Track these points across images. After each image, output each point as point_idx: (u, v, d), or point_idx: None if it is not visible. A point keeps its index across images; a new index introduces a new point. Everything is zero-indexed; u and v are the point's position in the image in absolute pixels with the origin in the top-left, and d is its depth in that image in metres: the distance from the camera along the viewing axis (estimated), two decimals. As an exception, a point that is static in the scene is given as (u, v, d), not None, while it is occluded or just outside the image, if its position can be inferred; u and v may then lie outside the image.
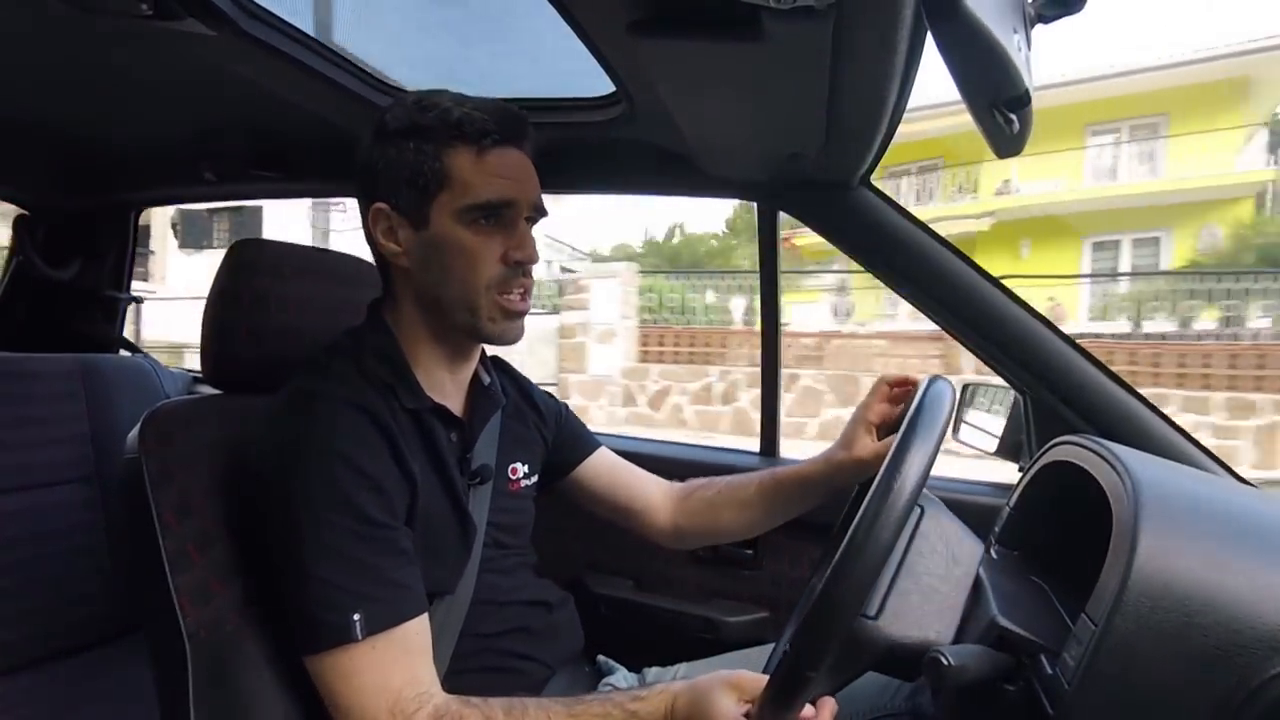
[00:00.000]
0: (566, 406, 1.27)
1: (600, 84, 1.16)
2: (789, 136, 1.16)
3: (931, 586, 0.73)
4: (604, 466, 1.26)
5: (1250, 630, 0.60)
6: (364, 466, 0.86)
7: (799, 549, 1.44)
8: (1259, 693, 0.57)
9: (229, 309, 1.02)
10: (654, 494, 1.24)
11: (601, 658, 1.21)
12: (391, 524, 0.87)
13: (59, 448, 1.61)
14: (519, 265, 0.95)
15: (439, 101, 0.93)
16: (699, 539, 1.24)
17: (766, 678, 0.78)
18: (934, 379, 0.83)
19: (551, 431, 1.21)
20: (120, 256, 2.08)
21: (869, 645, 0.72)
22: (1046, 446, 0.92)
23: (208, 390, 1.08)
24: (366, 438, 0.88)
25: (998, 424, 1.30)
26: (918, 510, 0.73)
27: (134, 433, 0.94)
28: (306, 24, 1.12)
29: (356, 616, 0.81)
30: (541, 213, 0.99)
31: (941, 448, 0.71)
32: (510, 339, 0.98)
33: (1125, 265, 13.19)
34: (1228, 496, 0.80)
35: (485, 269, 0.94)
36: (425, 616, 0.88)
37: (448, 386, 1.02)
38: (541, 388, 1.26)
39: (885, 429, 1.07)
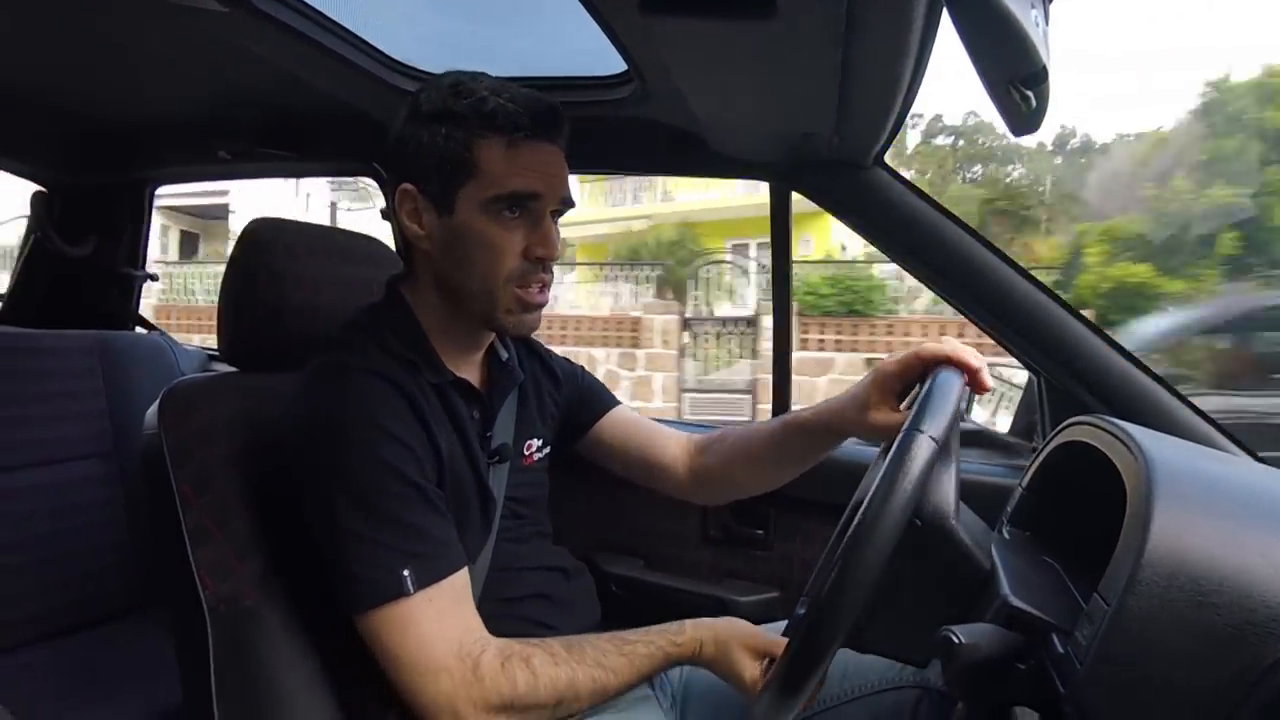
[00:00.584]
0: (582, 368, 1.28)
1: (613, 63, 1.16)
2: (802, 115, 1.15)
3: (924, 610, 0.73)
4: (621, 422, 1.25)
5: (1265, 609, 0.59)
6: (399, 433, 0.88)
7: (810, 529, 1.45)
8: (1272, 671, 0.57)
9: (245, 287, 1.03)
10: (672, 448, 1.23)
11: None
12: (427, 485, 0.89)
13: (77, 423, 1.63)
14: (540, 260, 0.95)
15: (475, 88, 0.92)
16: (718, 493, 1.23)
17: (783, 642, 0.82)
18: (940, 373, 0.81)
19: (566, 394, 1.22)
20: (136, 233, 2.09)
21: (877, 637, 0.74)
22: (1060, 427, 0.92)
23: (223, 367, 1.09)
24: (397, 407, 0.90)
25: (1012, 404, 1.30)
26: (916, 525, 0.72)
27: (153, 409, 0.95)
28: (320, 2, 1.11)
29: (406, 572, 0.83)
30: (569, 205, 0.99)
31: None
32: (525, 331, 0.99)
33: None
34: (1243, 476, 0.80)
35: (506, 262, 0.94)
36: (466, 569, 0.90)
37: (465, 361, 1.04)
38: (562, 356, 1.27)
39: (904, 398, 1.00)
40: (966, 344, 0.88)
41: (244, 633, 0.90)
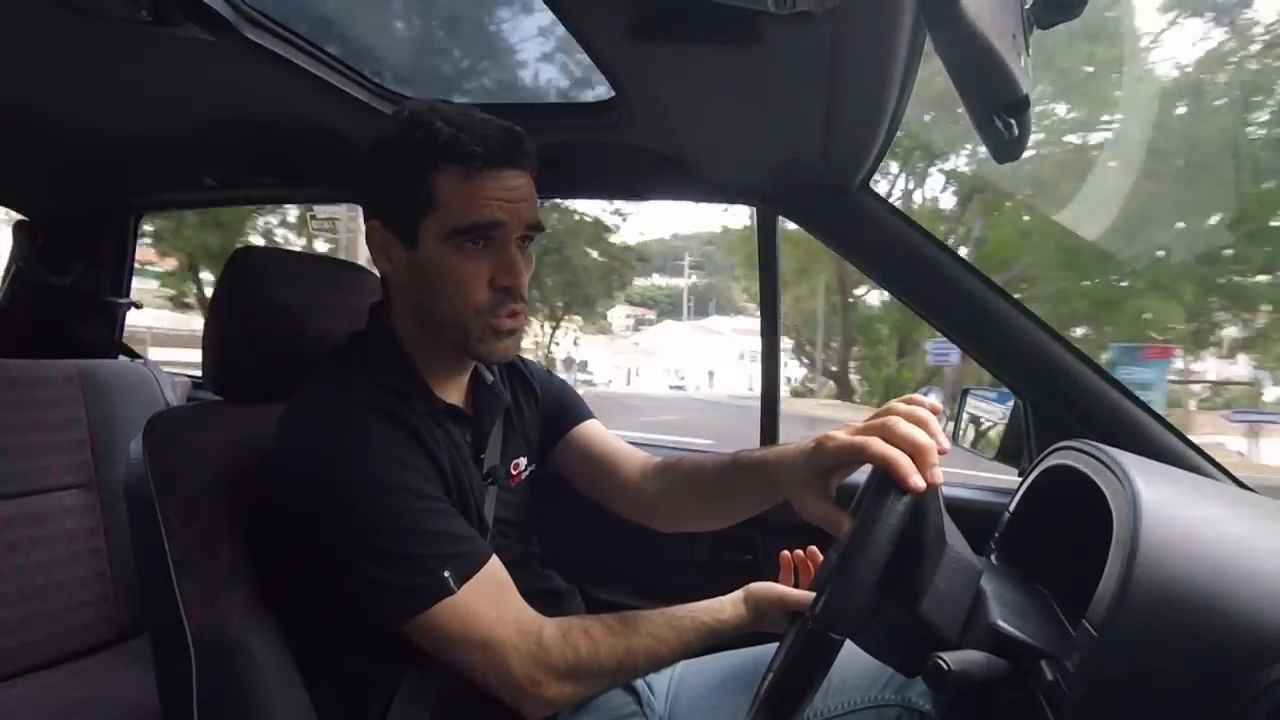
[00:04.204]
0: (563, 380, 1.27)
1: (600, 89, 1.16)
2: (788, 141, 1.16)
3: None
4: (590, 436, 1.23)
5: (1250, 637, 0.60)
6: (405, 458, 0.89)
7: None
8: (1260, 699, 0.57)
9: (230, 317, 1.02)
10: (631, 469, 1.19)
11: None
12: (441, 496, 0.91)
13: (58, 453, 1.60)
14: (507, 290, 0.94)
15: (430, 120, 0.91)
16: (667, 520, 1.17)
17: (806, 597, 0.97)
18: (879, 476, 0.70)
19: (544, 404, 1.21)
20: (120, 262, 2.08)
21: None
22: (1046, 451, 0.92)
23: (208, 396, 1.09)
24: (397, 435, 0.90)
25: (998, 429, 1.30)
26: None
27: (138, 439, 0.94)
28: (305, 29, 1.11)
29: (447, 573, 0.85)
30: (538, 229, 0.98)
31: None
32: (500, 358, 0.99)
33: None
34: (1228, 502, 0.80)
35: (474, 294, 0.93)
36: (496, 556, 0.92)
37: (451, 387, 1.04)
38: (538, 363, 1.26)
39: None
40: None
41: (229, 664, 0.88)
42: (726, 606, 1.00)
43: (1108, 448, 0.79)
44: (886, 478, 0.67)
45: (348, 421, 0.89)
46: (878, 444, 0.71)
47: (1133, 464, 0.73)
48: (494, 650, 0.86)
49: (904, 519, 0.66)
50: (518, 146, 0.94)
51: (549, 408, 1.23)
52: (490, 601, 0.88)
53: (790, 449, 0.89)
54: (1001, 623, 0.69)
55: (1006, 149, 0.67)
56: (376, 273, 1.02)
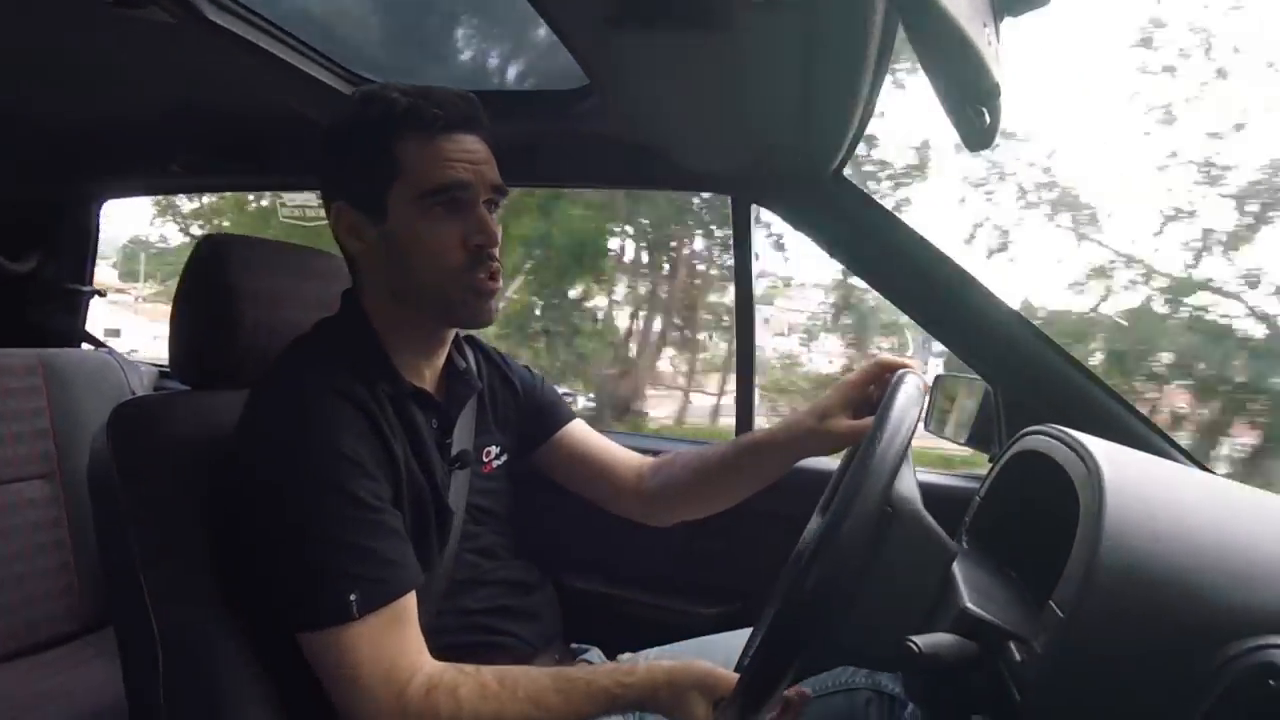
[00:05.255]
0: (543, 379, 1.27)
1: (574, 77, 1.15)
2: (762, 129, 1.16)
3: (899, 594, 0.73)
4: (577, 438, 1.25)
5: (1211, 615, 0.61)
6: (352, 452, 0.87)
7: (772, 542, 1.44)
8: (1220, 672, 0.58)
9: (197, 305, 1.00)
10: (624, 468, 1.23)
11: (576, 645, 1.21)
12: (381, 506, 0.88)
13: (19, 444, 1.57)
14: (480, 249, 0.95)
15: (384, 94, 0.94)
16: (667, 514, 1.22)
17: (738, 677, 0.79)
18: (905, 374, 0.83)
19: (525, 404, 1.21)
20: (82, 248, 2.04)
21: (836, 648, 0.74)
22: (1016, 437, 0.93)
23: (176, 386, 1.07)
24: (352, 424, 0.89)
25: (969, 415, 1.32)
26: (888, 511, 0.73)
27: (101, 429, 0.92)
28: (270, 12, 1.09)
29: (353, 596, 0.82)
30: (502, 193, 0.99)
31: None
32: (483, 320, 0.99)
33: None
34: (1190, 485, 0.81)
35: (449, 257, 0.94)
36: (413, 592, 0.89)
37: (424, 371, 1.03)
38: (520, 362, 1.26)
39: (863, 409, 1.02)
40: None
41: (196, 657, 0.87)
42: (638, 671, 0.88)
43: (1075, 432, 0.80)
44: (900, 378, 0.82)
45: (298, 405, 0.88)
46: (889, 356, 0.93)
47: (1099, 448, 0.74)
48: (354, 692, 0.83)
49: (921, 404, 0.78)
50: (473, 111, 0.97)
51: (534, 407, 1.23)
52: (377, 639, 0.84)
53: (796, 414, 1.07)
54: (971, 605, 0.70)
55: (978, 137, 0.68)
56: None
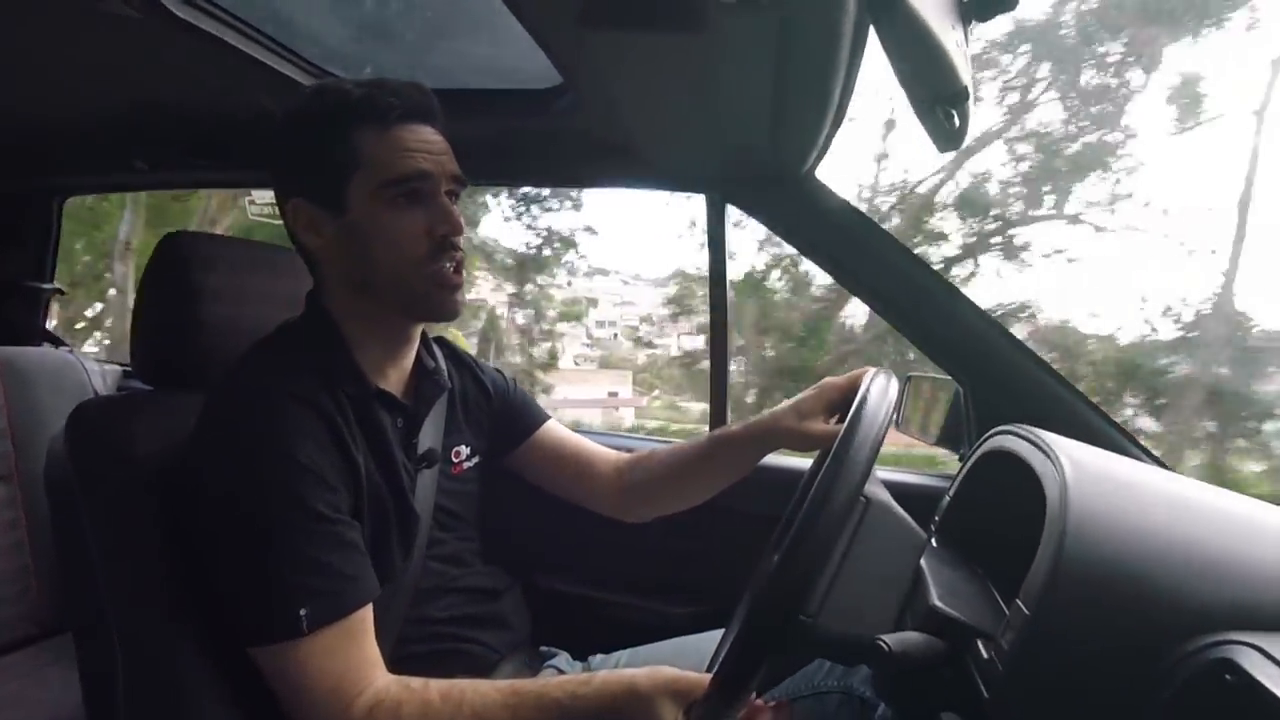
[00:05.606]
0: (515, 381, 1.27)
1: (548, 76, 1.15)
2: (736, 129, 1.17)
3: (873, 582, 0.74)
4: (553, 438, 1.25)
5: (1172, 612, 0.62)
6: (309, 462, 0.85)
7: (744, 541, 1.45)
8: (1179, 667, 0.60)
9: (161, 303, 0.99)
10: (601, 466, 1.23)
11: (545, 648, 1.20)
12: (338, 518, 0.86)
13: None
14: (445, 238, 0.94)
15: (339, 85, 0.94)
16: (645, 510, 1.23)
17: (708, 678, 0.78)
18: (877, 373, 0.85)
19: (497, 406, 1.21)
20: (43, 245, 2.00)
21: (808, 644, 0.74)
22: (984, 436, 0.95)
23: (139, 386, 1.05)
24: (311, 431, 0.87)
25: (939, 414, 1.33)
26: (862, 502, 0.74)
27: (60, 430, 0.90)
28: (238, 8, 1.07)
29: (303, 612, 0.81)
30: (462, 184, 0.99)
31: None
32: (448, 314, 0.98)
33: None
34: (1154, 483, 0.83)
35: (412, 247, 0.93)
36: (369, 605, 0.87)
37: (390, 371, 1.02)
38: (491, 365, 1.25)
39: (843, 412, 1.01)
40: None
41: (155, 663, 0.85)
42: (594, 681, 0.85)
43: (1042, 432, 0.81)
44: (874, 376, 0.83)
45: (256, 409, 0.86)
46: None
47: (1064, 447, 0.76)
48: (300, 707, 0.83)
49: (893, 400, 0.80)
50: (428, 102, 0.96)
51: (508, 410, 1.22)
52: (324, 655, 0.82)
53: (776, 409, 1.07)
54: (940, 604, 0.71)
55: (947, 138, 0.68)
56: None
